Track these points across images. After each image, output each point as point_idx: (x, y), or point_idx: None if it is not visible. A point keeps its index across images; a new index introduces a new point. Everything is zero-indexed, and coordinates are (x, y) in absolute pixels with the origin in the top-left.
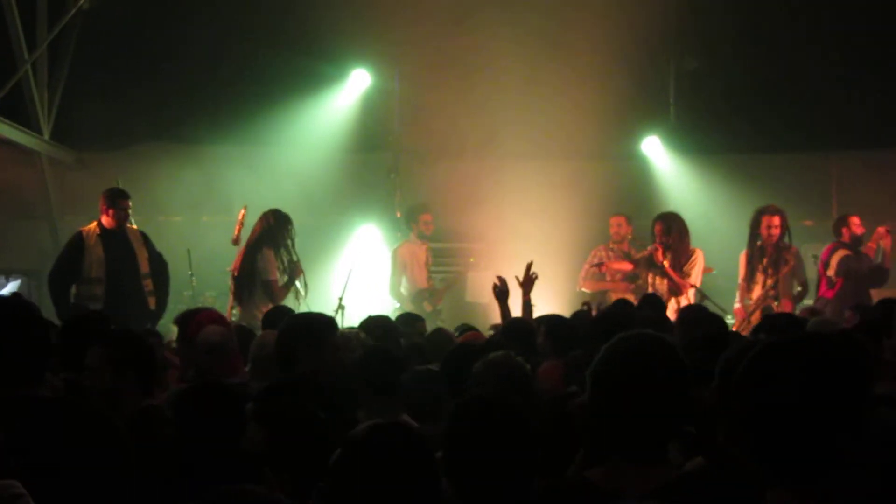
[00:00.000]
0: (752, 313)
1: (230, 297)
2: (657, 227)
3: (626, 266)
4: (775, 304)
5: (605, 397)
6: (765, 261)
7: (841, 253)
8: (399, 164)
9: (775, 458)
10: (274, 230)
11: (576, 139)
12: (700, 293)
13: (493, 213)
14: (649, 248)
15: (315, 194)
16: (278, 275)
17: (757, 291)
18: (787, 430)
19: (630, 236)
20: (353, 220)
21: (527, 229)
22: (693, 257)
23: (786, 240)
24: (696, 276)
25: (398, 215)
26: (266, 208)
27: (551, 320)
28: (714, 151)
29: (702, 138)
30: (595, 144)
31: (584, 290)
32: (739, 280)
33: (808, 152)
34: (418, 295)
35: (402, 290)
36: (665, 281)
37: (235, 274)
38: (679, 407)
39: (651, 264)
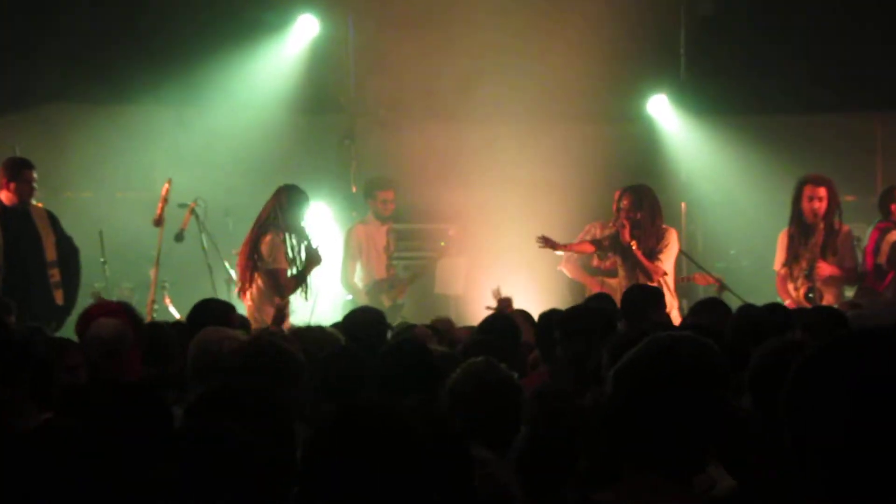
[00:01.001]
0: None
1: (151, 290)
2: (625, 201)
3: (588, 248)
4: (810, 294)
5: (627, 402)
6: (808, 242)
7: (894, 236)
8: (355, 129)
9: (839, 485)
10: (285, 209)
11: (568, 98)
12: (720, 283)
13: (468, 188)
14: (614, 224)
15: (254, 165)
16: (287, 263)
17: (800, 279)
18: (854, 449)
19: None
20: None
21: (509, 206)
22: (665, 239)
23: (835, 217)
24: (668, 261)
25: (354, 190)
26: (195, 181)
27: (546, 316)
28: (732, 112)
29: (718, 97)
30: (591, 104)
31: (563, 271)
32: (777, 267)
33: (848, 114)
34: (376, 286)
35: (357, 280)
36: (633, 268)
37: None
38: (714, 422)
39: (616, 245)
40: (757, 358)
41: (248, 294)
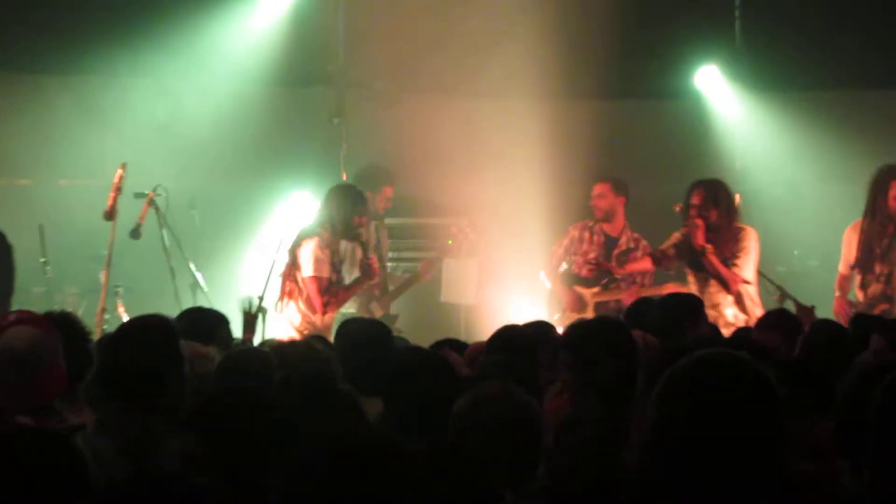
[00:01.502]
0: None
1: (101, 296)
2: (696, 197)
3: (648, 265)
4: (886, 306)
5: (664, 430)
6: (885, 242)
7: None
8: (345, 105)
9: None
10: (334, 213)
11: (600, 70)
12: (781, 290)
13: (480, 176)
14: (685, 227)
15: (225, 149)
16: (330, 273)
17: (875, 286)
18: None
19: (616, 210)
20: (279, 185)
21: (529, 198)
22: (742, 241)
23: None
24: (747, 267)
25: (344, 178)
26: (154, 166)
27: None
28: (797, 87)
29: (780, 68)
30: (629, 77)
31: (545, 280)
32: (842, 268)
33: None
34: (365, 293)
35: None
36: (706, 278)
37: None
38: (769, 459)
39: (685, 252)
40: (848, 381)
41: (283, 309)
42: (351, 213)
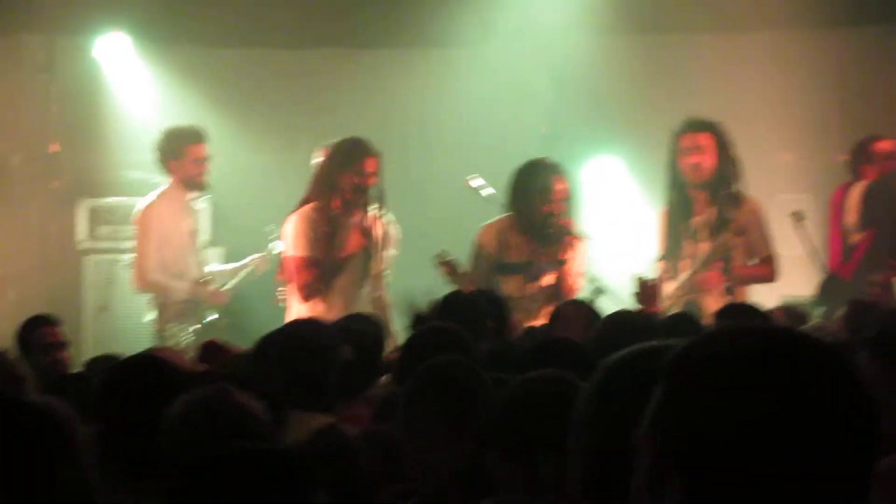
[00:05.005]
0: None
1: None
2: (560, 185)
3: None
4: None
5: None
6: (693, 221)
7: (861, 186)
8: (55, 56)
9: None
10: (325, 173)
11: None
12: (595, 285)
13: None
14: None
15: None
16: (309, 249)
17: (685, 273)
18: None
19: None
20: None
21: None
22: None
23: (730, 179)
24: (577, 266)
25: (54, 149)
26: None
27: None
28: None
29: None
30: None
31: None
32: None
33: None
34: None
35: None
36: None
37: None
38: None
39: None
40: None
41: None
42: (342, 170)
